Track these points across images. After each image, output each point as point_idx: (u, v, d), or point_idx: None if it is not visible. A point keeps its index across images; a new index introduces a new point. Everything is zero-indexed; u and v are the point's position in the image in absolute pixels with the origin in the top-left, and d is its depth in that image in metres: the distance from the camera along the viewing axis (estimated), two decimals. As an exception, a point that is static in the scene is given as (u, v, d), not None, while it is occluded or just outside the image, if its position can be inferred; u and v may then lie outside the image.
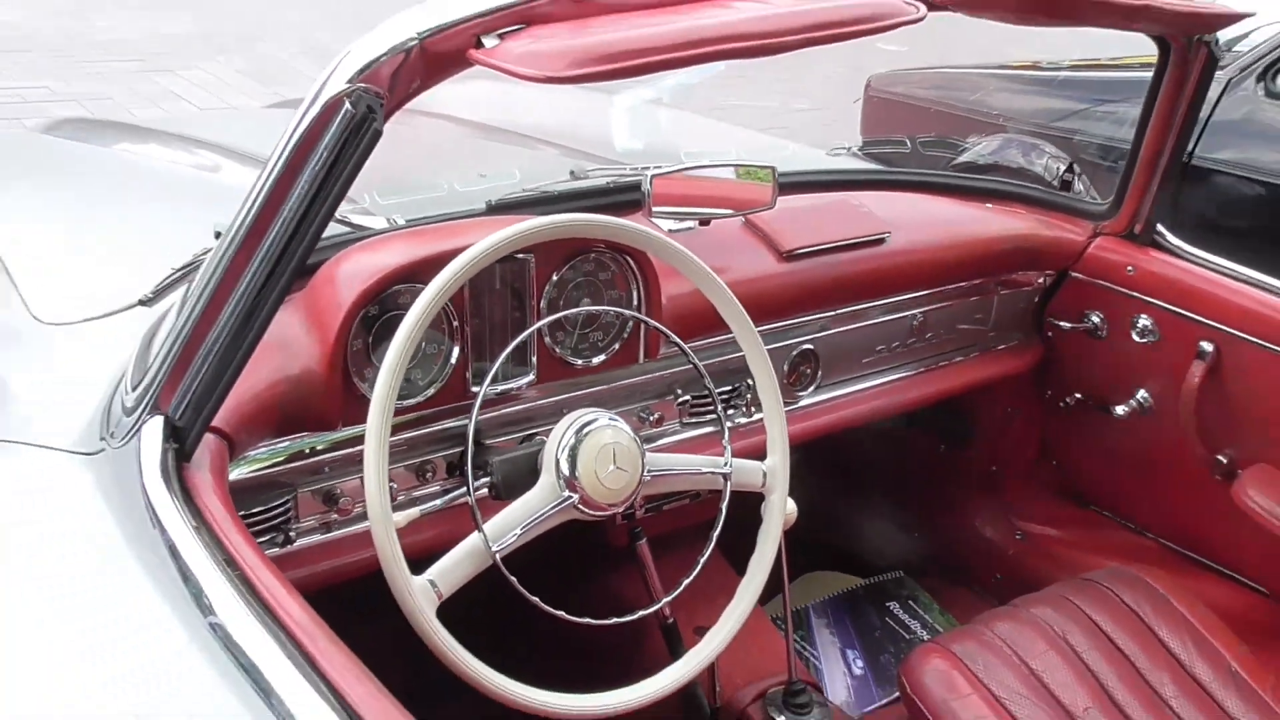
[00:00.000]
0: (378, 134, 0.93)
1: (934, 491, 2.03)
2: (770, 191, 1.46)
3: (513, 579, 1.12)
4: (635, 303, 1.38)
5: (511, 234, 1.14)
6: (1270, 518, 1.56)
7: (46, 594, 0.93)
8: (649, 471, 1.20)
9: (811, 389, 1.63)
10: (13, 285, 1.27)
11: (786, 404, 1.55)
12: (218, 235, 1.24)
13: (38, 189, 1.81)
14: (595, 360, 1.38)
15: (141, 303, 1.18)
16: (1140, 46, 1.65)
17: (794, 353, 1.58)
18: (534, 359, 1.33)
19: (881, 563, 2.03)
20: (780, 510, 1.29)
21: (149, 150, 2.04)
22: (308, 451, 1.22)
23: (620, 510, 1.20)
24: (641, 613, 1.25)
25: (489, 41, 0.95)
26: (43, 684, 0.87)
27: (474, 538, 1.11)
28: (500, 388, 1.31)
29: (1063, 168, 2.40)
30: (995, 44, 3.22)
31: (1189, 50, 1.51)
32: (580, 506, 1.16)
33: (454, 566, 1.10)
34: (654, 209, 1.39)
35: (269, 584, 0.89)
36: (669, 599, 1.28)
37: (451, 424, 1.30)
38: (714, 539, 1.26)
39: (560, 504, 1.15)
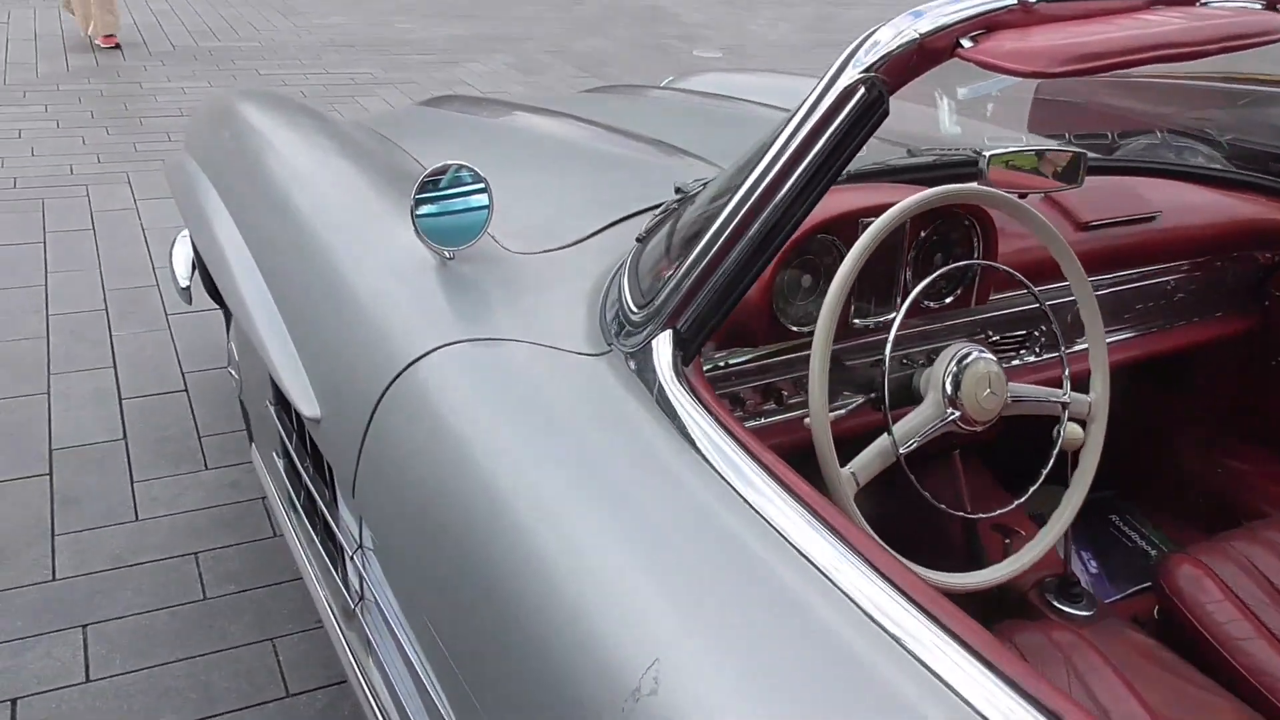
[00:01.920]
0: (886, 114, 0.88)
1: (1151, 428, 1.91)
2: (1080, 173, 1.36)
3: (910, 474, 1.08)
4: (976, 257, 1.31)
5: (932, 195, 1.08)
6: None
7: (589, 454, 0.92)
8: (1010, 396, 1.15)
9: (1084, 337, 1.53)
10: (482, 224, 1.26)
11: (1067, 348, 1.47)
12: (678, 190, 1.21)
13: (461, 151, 1.81)
14: (945, 303, 1.31)
15: (639, 240, 1.15)
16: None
17: (1076, 306, 1.49)
18: (898, 300, 1.28)
19: (1100, 482, 1.92)
20: (1101, 436, 1.21)
21: (527, 120, 2.02)
22: (722, 365, 1.20)
23: (984, 427, 1.15)
24: (1002, 510, 1.21)
25: (965, 43, 0.89)
26: (603, 507, 0.86)
27: (884, 440, 1.07)
28: (873, 321, 1.26)
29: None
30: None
31: None
32: (959, 422, 1.11)
33: (869, 462, 1.06)
34: (991, 182, 1.31)
35: (764, 454, 0.87)
36: (1020, 501, 1.22)
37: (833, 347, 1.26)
38: (1053, 457, 1.20)
39: (946, 419, 1.11)
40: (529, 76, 5.91)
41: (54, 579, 1.87)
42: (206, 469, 2.23)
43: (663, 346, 0.96)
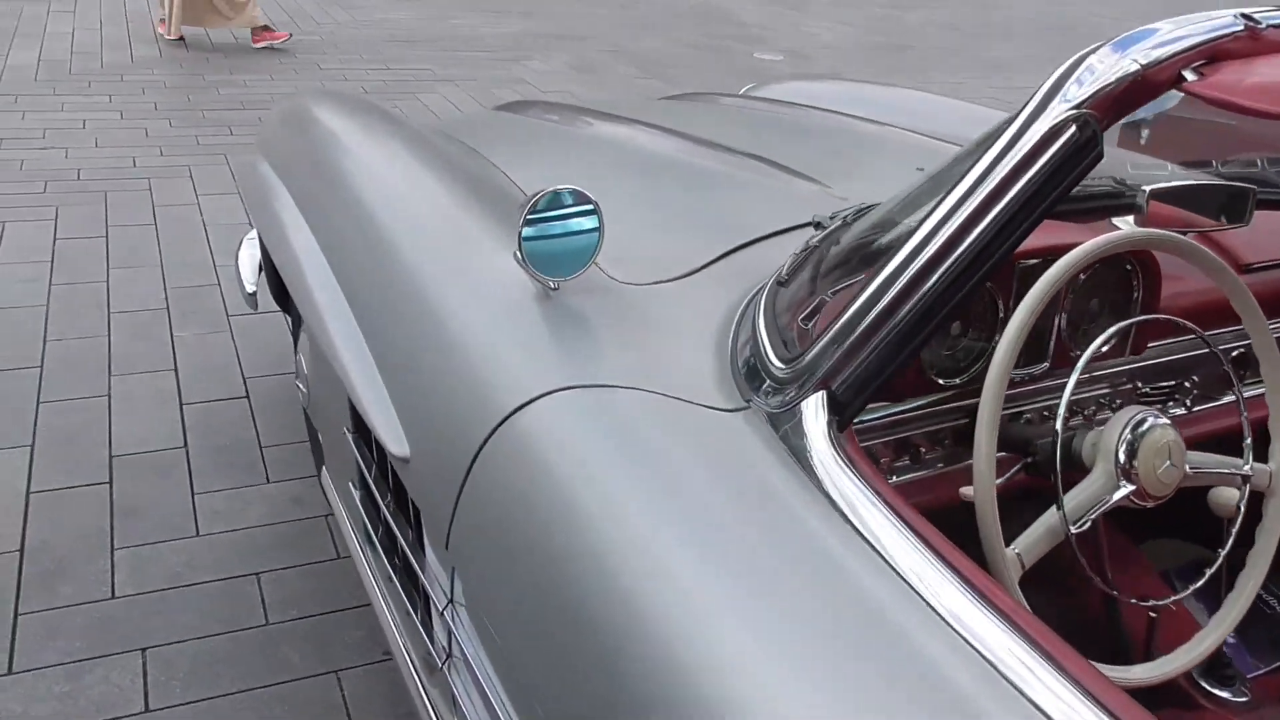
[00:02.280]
0: (1100, 156, 0.75)
1: None
2: (1249, 211, 1.22)
3: (1081, 557, 0.96)
4: (1136, 302, 1.18)
5: (1113, 240, 0.96)
6: None
7: (725, 527, 0.81)
8: (1189, 467, 1.01)
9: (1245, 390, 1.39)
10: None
11: (1218, 400, 1.33)
12: (817, 225, 1.09)
13: (550, 164, 1.70)
14: (1101, 351, 1.18)
15: (779, 284, 1.03)
16: None
17: (1231, 355, 1.34)
18: (1051, 349, 1.15)
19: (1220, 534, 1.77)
20: None
21: (615, 130, 1.91)
22: (857, 423, 1.08)
23: (1156, 503, 1.01)
24: (1175, 597, 1.08)
25: (1189, 75, 0.77)
26: (744, 591, 0.75)
27: (1052, 516, 0.94)
28: (1023, 374, 1.13)
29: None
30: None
31: None
32: (1133, 497, 0.98)
33: (1035, 542, 0.93)
34: (1150, 219, 1.17)
35: (936, 538, 0.75)
36: (1196, 587, 1.08)
37: (973, 402, 1.13)
38: (1233, 535, 1.06)
39: (1120, 493, 0.98)
40: (589, 76, 5.81)
41: (113, 596, 1.80)
42: (268, 482, 2.15)
43: (814, 410, 0.85)
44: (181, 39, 5.65)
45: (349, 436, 1.41)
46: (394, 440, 1.16)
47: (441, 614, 1.11)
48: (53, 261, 3.04)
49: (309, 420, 2.10)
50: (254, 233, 2.45)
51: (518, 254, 1.08)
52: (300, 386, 1.91)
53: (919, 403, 1.07)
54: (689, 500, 0.84)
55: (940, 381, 1.07)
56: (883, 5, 9.09)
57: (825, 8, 8.77)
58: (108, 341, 2.63)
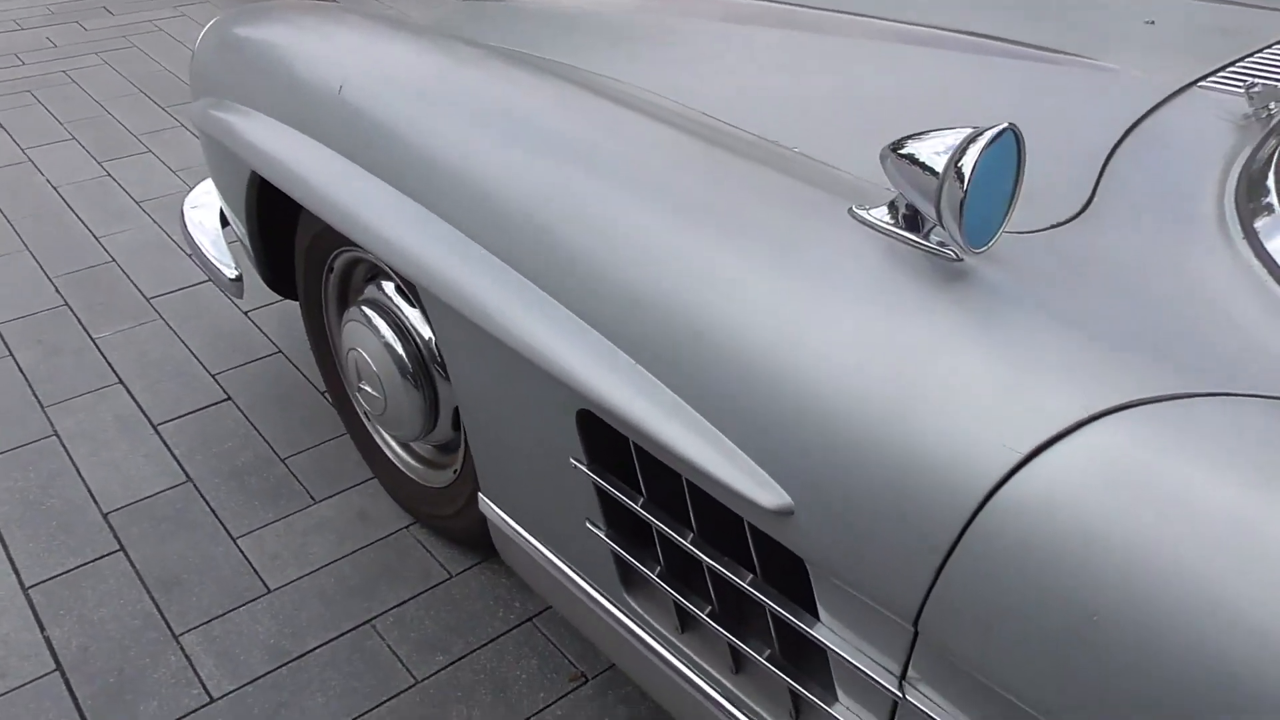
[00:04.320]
0: None
1: None
2: None
3: None
4: None
5: None
6: None
7: None
8: None
9: None
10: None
11: None
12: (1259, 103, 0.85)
13: (673, 66, 1.34)
14: None
15: None
16: None
17: None
18: None
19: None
20: None
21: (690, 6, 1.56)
22: None
23: None
24: None
25: None
26: None
27: None
28: None
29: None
30: None
31: None
32: None
33: None
34: None
35: None
36: None
37: None
38: None
39: None
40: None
41: (212, 699, 1.42)
42: (316, 502, 1.76)
43: None
44: None
45: (583, 468, 1.09)
46: (760, 489, 0.87)
47: (894, 690, 0.86)
48: (-119, 269, 2.34)
49: (358, 417, 1.72)
50: (195, 195, 1.94)
51: (867, 215, 0.80)
52: (369, 390, 1.53)
53: None
54: None
55: None
56: None
57: None
58: (14, 363, 2.06)
